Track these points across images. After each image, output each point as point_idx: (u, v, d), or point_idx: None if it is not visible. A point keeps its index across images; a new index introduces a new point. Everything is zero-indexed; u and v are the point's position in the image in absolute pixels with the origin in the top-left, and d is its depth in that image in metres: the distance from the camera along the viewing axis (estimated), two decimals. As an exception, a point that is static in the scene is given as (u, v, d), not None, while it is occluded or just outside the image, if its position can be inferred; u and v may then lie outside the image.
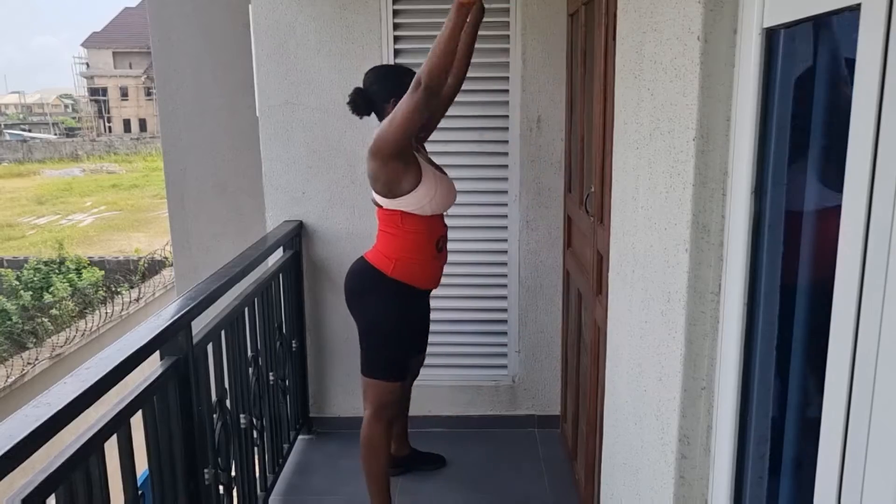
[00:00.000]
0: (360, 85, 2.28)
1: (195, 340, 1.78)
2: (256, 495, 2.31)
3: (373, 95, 2.25)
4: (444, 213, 2.29)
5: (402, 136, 2.05)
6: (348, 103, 2.26)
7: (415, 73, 2.16)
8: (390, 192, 2.16)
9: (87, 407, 1.26)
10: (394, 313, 2.25)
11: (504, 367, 3.07)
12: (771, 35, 1.02)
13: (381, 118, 2.25)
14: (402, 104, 2.02)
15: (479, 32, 2.79)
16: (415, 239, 2.20)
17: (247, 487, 2.19)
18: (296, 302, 2.87)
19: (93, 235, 20.39)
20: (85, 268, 13.66)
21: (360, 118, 2.29)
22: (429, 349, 2.59)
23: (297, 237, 2.87)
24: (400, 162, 2.11)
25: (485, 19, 2.78)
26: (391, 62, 2.80)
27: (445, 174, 2.30)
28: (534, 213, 2.91)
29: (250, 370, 2.25)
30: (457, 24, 1.94)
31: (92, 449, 1.29)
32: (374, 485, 2.33)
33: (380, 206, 2.24)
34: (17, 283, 12.86)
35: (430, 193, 2.18)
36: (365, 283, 2.26)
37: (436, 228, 2.25)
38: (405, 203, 2.16)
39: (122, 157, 35.90)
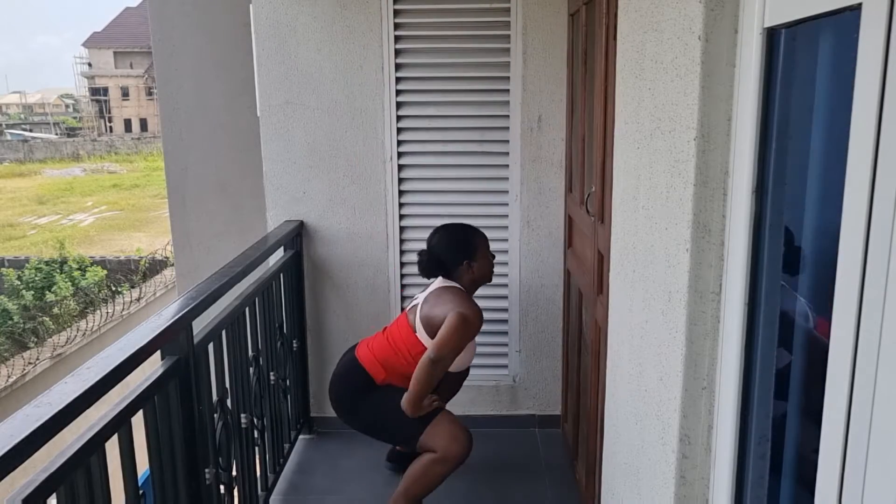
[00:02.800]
0: (424, 249, 2.42)
1: (196, 340, 1.78)
2: (257, 495, 2.31)
3: (446, 260, 2.37)
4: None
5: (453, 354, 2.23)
6: (418, 265, 2.41)
7: (479, 232, 2.43)
8: (433, 337, 2.24)
9: (88, 406, 1.26)
10: (389, 397, 2.29)
11: (505, 366, 3.07)
12: (772, 35, 1.02)
13: (451, 278, 2.38)
14: (445, 339, 2.19)
15: (480, 32, 2.80)
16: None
17: (248, 487, 2.19)
18: (296, 302, 2.87)
19: (94, 235, 20.41)
20: (88, 268, 13.67)
21: (429, 279, 2.42)
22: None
23: (297, 237, 2.87)
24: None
25: (485, 19, 2.79)
26: (392, 62, 2.80)
27: (474, 341, 2.40)
28: (534, 212, 2.91)
29: (251, 370, 2.25)
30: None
31: (93, 448, 1.29)
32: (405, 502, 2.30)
33: (412, 330, 2.30)
34: (19, 282, 12.87)
35: (462, 356, 2.31)
36: (353, 386, 2.34)
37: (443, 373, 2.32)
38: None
39: (123, 156, 35.94)
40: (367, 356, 2.35)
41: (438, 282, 2.38)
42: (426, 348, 2.25)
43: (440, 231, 2.43)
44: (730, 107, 1.11)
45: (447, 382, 2.50)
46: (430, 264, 2.38)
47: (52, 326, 10.88)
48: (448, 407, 3.02)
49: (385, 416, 2.30)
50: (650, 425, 1.42)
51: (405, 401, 2.22)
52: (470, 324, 2.22)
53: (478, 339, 3.02)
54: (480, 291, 2.98)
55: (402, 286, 2.99)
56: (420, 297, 2.38)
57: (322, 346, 3.02)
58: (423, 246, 2.49)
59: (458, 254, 2.36)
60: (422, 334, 2.29)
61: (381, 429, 2.37)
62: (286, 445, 2.71)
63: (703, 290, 1.18)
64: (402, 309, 2.84)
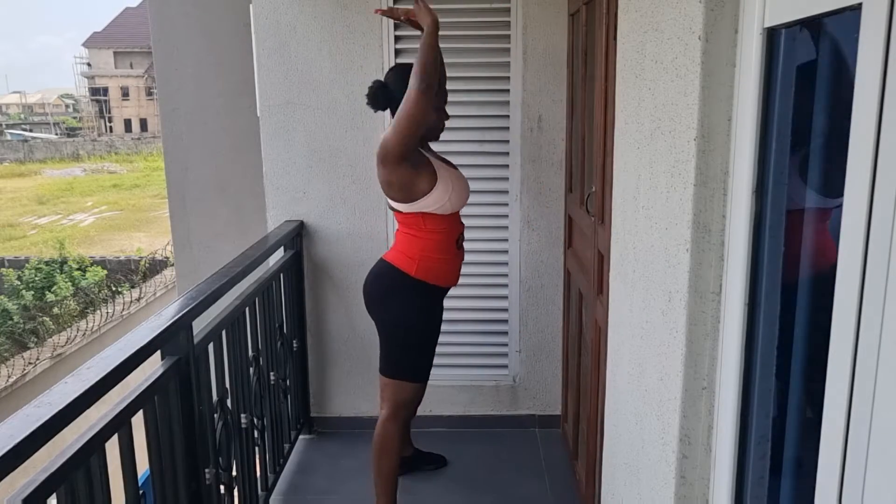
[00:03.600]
0: (379, 79, 2.30)
1: (196, 340, 1.78)
2: (257, 495, 2.31)
3: (395, 91, 2.22)
4: (461, 212, 2.31)
5: (406, 138, 2.06)
6: (367, 95, 2.27)
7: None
8: (408, 197, 2.17)
9: (88, 407, 1.26)
10: (419, 314, 2.26)
11: (505, 366, 3.07)
12: (772, 35, 1.02)
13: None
14: (402, 107, 2.04)
15: (481, 32, 2.80)
16: (438, 238, 2.22)
17: (248, 487, 2.19)
18: (297, 302, 2.87)
19: (94, 235, 20.41)
20: (88, 268, 13.67)
21: (375, 112, 2.32)
22: (430, 349, 2.59)
23: (297, 237, 2.87)
24: (409, 165, 2.12)
25: (485, 19, 2.79)
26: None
27: (456, 168, 2.32)
28: (535, 212, 2.91)
29: (251, 370, 2.25)
30: (434, 48, 2.06)
31: (93, 449, 1.29)
32: (384, 484, 2.32)
33: (399, 212, 2.25)
34: (19, 282, 12.87)
35: (448, 190, 2.19)
36: (387, 285, 2.27)
37: (456, 226, 2.28)
38: (425, 204, 2.17)
39: (123, 156, 35.94)
40: (393, 256, 2.27)
41: None
42: (413, 212, 2.17)
43: (398, 66, 2.33)
44: (730, 107, 1.11)
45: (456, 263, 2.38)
46: (378, 94, 2.25)
47: (52, 326, 10.88)
48: (448, 407, 3.04)
49: (400, 331, 2.26)
50: (650, 425, 1.42)
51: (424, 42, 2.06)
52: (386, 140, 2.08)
53: (479, 339, 3.04)
54: (481, 291, 2.99)
55: (403, 286, 2.98)
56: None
57: (322, 346, 3.02)
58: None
59: (405, 83, 2.15)
60: (403, 206, 2.19)
61: (390, 338, 2.30)
62: (286, 445, 2.71)
63: (703, 290, 1.18)
64: None
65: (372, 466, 2.33)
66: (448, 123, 2.87)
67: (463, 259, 2.35)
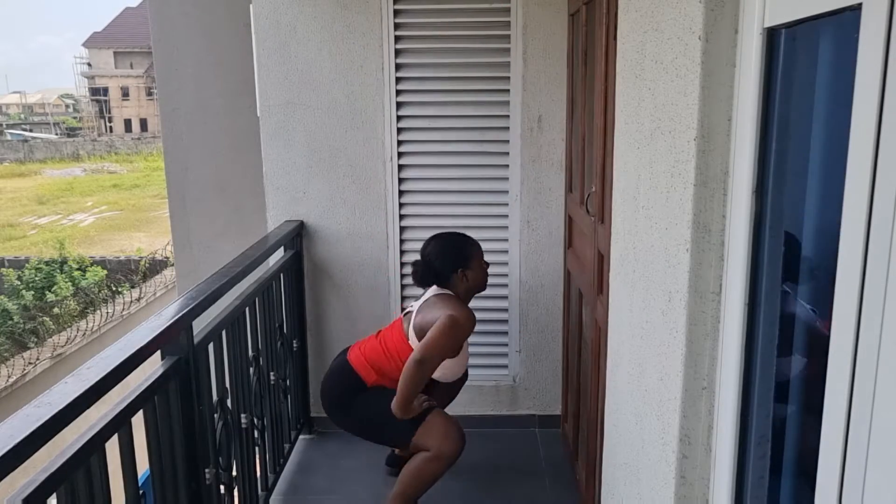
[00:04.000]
0: (424, 252, 2.41)
1: (196, 340, 1.78)
2: (257, 495, 2.31)
3: (439, 268, 2.37)
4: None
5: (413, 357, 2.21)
6: (412, 275, 2.41)
7: (473, 241, 2.44)
8: (424, 343, 2.23)
9: (89, 407, 1.26)
10: (380, 398, 2.29)
11: (505, 366, 3.07)
12: (772, 35, 1.02)
13: (445, 287, 2.38)
14: (433, 342, 2.19)
15: (481, 32, 2.80)
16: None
17: (248, 487, 2.19)
18: (297, 302, 2.87)
19: (94, 235, 20.41)
20: (88, 268, 13.67)
21: (424, 289, 2.42)
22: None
23: (297, 237, 2.87)
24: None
25: (485, 19, 2.79)
26: (392, 62, 2.80)
27: (466, 349, 2.43)
28: (534, 212, 2.91)
29: (251, 370, 2.25)
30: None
31: (93, 448, 1.29)
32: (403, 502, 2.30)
33: (405, 338, 2.31)
34: (19, 282, 12.87)
35: (451, 366, 2.33)
36: (344, 388, 2.35)
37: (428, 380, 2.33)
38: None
39: (123, 156, 35.94)
40: (358, 359, 2.35)
41: (433, 290, 2.38)
42: (410, 349, 2.26)
43: (434, 240, 2.43)
44: (730, 107, 1.11)
45: (439, 393, 2.49)
46: (425, 273, 2.38)
47: (53, 326, 10.88)
48: (449, 406, 3.03)
49: (376, 417, 2.30)
50: (650, 425, 1.42)
51: (394, 404, 2.22)
52: (459, 326, 2.21)
53: (479, 339, 3.03)
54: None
55: (402, 286, 2.99)
56: (415, 306, 2.38)
57: (322, 346, 3.02)
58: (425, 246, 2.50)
59: (451, 263, 2.36)
60: (413, 342, 2.28)
61: (374, 430, 2.36)
62: (286, 445, 2.71)
63: (703, 290, 1.18)
64: (403, 309, 2.83)
65: (400, 484, 2.28)
66: (448, 123, 2.88)
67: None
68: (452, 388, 2.60)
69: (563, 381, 2.98)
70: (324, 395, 2.42)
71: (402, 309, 2.93)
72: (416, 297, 2.49)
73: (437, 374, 2.33)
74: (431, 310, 2.28)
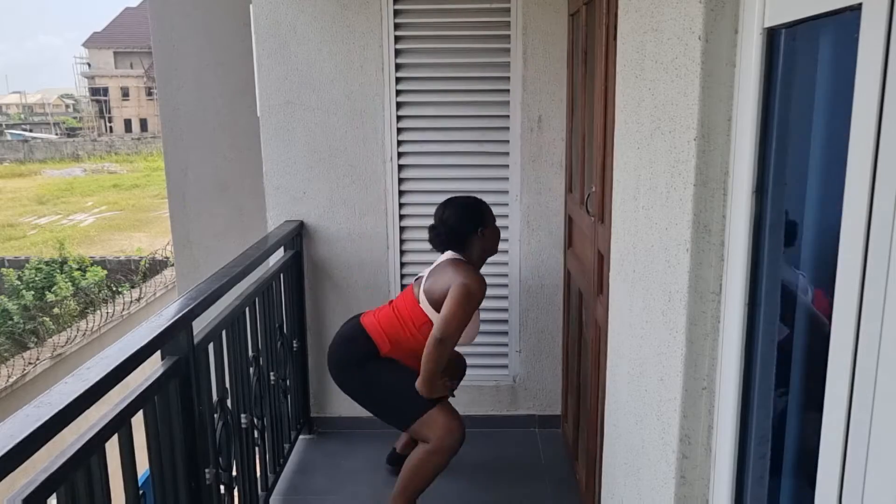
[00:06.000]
0: (441, 216, 2.37)
1: (196, 340, 1.78)
2: (257, 495, 2.31)
3: (459, 230, 2.34)
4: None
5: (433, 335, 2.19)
6: (430, 240, 2.38)
7: (485, 203, 2.40)
8: (437, 309, 2.23)
9: (89, 407, 1.26)
10: (391, 372, 2.30)
11: (505, 366, 3.07)
12: (772, 35, 1.02)
13: (462, 250, 2.35)
14: (450, 316, 2.17)
15: (481, 32, 2.81)
16: (421, 346, 2.25)
17: (248, 487, 2.19)
18: (297, 302, 2.87)
19: (94, 235, 20.41)
20: (88, 268, 13.67)
21: (442, 252, 2.38)
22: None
23: (297, 237, 2.87)
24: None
25: (485, 19, 2.79)
26: (392, 62, 2.80)
27: (478, 314, 2.39)
28: (534, 212, 2.91)
29: (251, 370, 2.25)
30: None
31: (93, 449, 1.29)
32: (404, 501, 2.29)
33: (417, 302, 2.30)
34: (19, 282, 12.87)
35: (467, 330, 2.28)
36: (355, 352, 2.33)
37: None
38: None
39: (123, 156, 35.93)
40: (373, 325, 2.33)
41: (445, 256, 2.36)
42: (430, 321, 2.25)
43: (449, 203, 2.40)
44: (730, 107, 1.11)
45: (452, 363, 2.48)
46: (445, 236, 2.35)
47: (53, 326, 10.88)
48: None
49: (382, 390, 2.29)
50: (650, 425, 1.42)
51: (419, 382, 2.20)
52: (472, 295, 2.20)
53: (479, 339, 3.02)
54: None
55: (403, 286, 2.98)
56: (426, 272, 2.37)
57: (322, 346, 3.01)
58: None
59: (470, 222, 2.35)
60: (426, 306, 2.27)
61: (377, 402, 2.34)
62: (286, 445, 2.71)
63: (703, 291, 1.18)
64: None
65: (402, 480, 2.27)
66: (448, 123, 2.88)
67: None
68: (459, 366, 2.61)
69: (563, 381, 2.98)
70: (332, 357, 2.39)
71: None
72: (422, 272, 2.47)
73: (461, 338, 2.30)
74: (442, 275, 2.26)
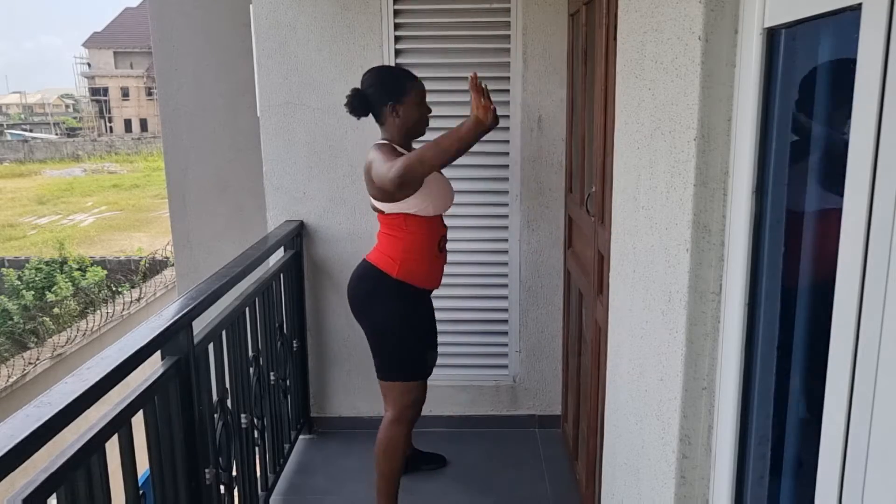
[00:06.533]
0: (359, 86, 2.28)
1: (196, 340, 1.78)
2: (257, 495, 2.31)
3: (370, 98, 2.23)
4: (444, 214, 2.31)
5: (389, 190, 2.10)
6: (345, 105, 2.25)
7: (413, 77, 2.25)
8: (391, 199, 2.18)
9: (89, 407, 1.26)
10: (402, 313, 2.26)
11: (505, 367, 3.07)
12: (772, 35, 1.02)
13: (378, 120, 2.27)
14: (378, 167, 2.08)
15: (481, 32, 2.81)
16: (418, 240, 2.22)
17: (248, 487, 2.19)
18: (297, 302, 2.87)
19: (94, 235, 20.41)
20: (88, 268, 13.67)
21: (358, 119, 2.29)
22: (430, 349, 2.59)
23: (297, 237, 2.87)
24: None
25: (485, 19, 2.79)
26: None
27: (442, 174, 2.30)
28: (535, 213, 2.91)
29: (251, 370, 2.25)
30: (468, 144, 2.00)
31: (93, 448, 1.29)
32: (386, 486, 2.32)
33: (381, 211, 2.25)
34: (19, 282, 12.87)
35: (431, 195, 2.20)
36: (369, 286, 2.27)
37: (437, 228, 2.28)
38: (407, 206, 2.18)
39: (123, 156, 35.93)
40: (375, 257, 2.28)
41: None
42: (398, 212, 2.19)
43: (370, 70, 2.31)
44: (730, 107, 1.11)
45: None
46: (355, 101, 2.23)
47: (53, 326, 10.88)
48: (448, 407, 3.04)
49: (389, 332, 2.26)
50: (650, 425, 1.42)
51: (463, 126, 1.98)
52: (381, 156, 2.10)
53: (479, 339, 3.04)
54: (481, 291, 2.99)
55: (403, 286, 2.98)
56: None
57: (322, 346, 3.02)
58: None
59: (382, 94, 2.20)
60: (385, 206, 2.21)
61: (379, 340, 2.30)
62: (286, 445, 2.71)
63: (703, 291, 1.18)
64: None
65: (376, 468, 2.32)
66: (448, 123, 2.87)
67: (445, 261, 2.35)
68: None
69: (563, 381, 2.98)
70: (350, 296, 2.33)
71: None
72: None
73: (431, 210, 2.21)
74: (366, 160, 2.19)
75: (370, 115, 2.27)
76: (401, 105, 2.22)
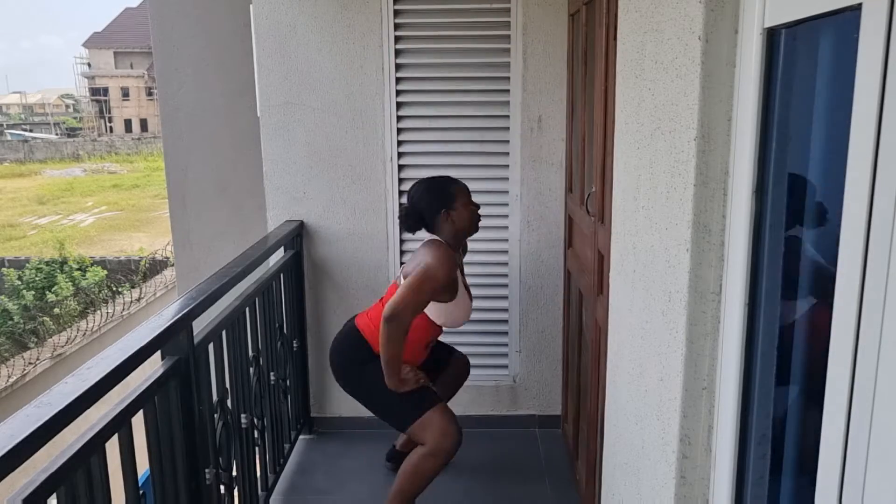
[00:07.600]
0: (409, 196, 2.36)
1: (196, 340, 1.78)
2: (257, 495, 2.31)
3: (424, 212, 2.32)
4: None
5: (384, 315, 2.16)
6: (400, 223, 2.38)
7: (455, 180, 2.37)
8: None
9: (89, 407, 1.26)
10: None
11: (505, 367, 3.07)
12: (772, 35, 1.02)
13: (431, 230, 2.34)
14: (422, 281, 2.15)
15: (481, 32, 2.81)
16: (413, 335, 2.23)
17: (248, 487, 2.19)
18: (297, 302, 2.87)
19: (94, 235, 20.41)
20: (88, 268, 13.67)
21: (413, 234, 2.38)
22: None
23: (297, 237, 2.87)
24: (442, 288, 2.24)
25: (485, 19, 2.79)
26: (392, 62, 2.80)
27: (469, 290, 2.38)
28: (535, 212, 2.91)
29: (251, 370, 2.25)
30: (386, 369, 2.19)
31: (93, 449, 1.29)
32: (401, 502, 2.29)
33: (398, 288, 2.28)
34: (19, 282, 12.87)
35: (452, 314, 2.29)
36: (350, 354, 2.33)
37: (434, 332, 2.34)
38: (427, 307, 2.24)
39: (124, 157, 35.93)
40: (365, 324, 2.33)
41: (424, 239, 2.35)
42: None
43: (418, 183, 2.38)
44: (730, 107, 1.11)
45: (444, 384, 2.49)
46: (410, 216, 2.34)
47: (53, 326, 10.88)
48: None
49: (382, 394, 2.27)
50: (650, 425, 1.42)
51: (385, 375, 2.19)
52: (430, 275, 2.15)
53: (479, 339, 3.04)
54: (481, 291, 2.99)
55: (403, 286, 2.99)
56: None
57: (322, 346, 3.01)
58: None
59: (434, 203, 2.31)
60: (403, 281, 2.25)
61: (377, 404, 2.33)
62: (286, 445, 2.71)
63: (704, 291, 1.18)
64: None
65: (398, 482, 2.26)
66: (448, 123, 2.88)
67: (425, 358, 2.40)
68: (458, 377, 2.60)
69: (563, 381, 2.98)
70: (332, 362, 2.39)
71: None
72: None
73: (440, 321, 2.30)
74: (415, 257, 2.26)
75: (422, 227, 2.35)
76: (453, 210, 2.31)
